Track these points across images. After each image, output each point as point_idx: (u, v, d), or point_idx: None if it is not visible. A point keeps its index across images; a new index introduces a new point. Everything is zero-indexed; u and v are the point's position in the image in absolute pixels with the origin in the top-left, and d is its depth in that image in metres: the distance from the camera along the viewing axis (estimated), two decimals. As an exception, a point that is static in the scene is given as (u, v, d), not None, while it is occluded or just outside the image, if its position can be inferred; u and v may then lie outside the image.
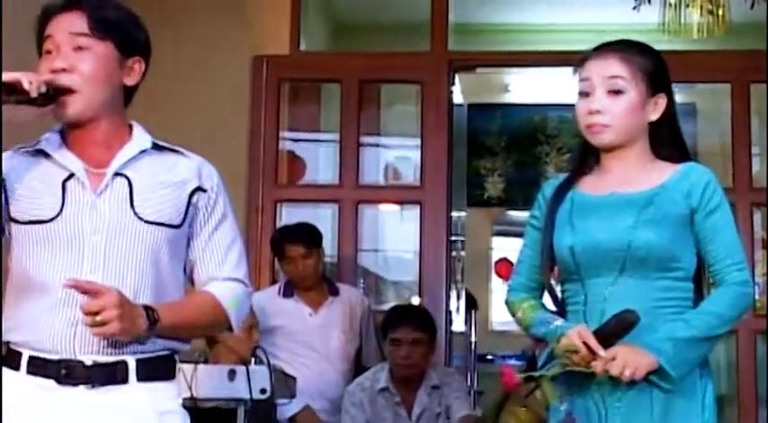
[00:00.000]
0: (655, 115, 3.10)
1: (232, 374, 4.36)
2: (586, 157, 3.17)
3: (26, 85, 2.56)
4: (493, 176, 9.71)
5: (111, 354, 2.66)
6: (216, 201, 2.86)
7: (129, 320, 2.56)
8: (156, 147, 2.83)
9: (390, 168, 8.74)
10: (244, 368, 4.37)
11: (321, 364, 5.68)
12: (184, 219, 2.79)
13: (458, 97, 7.58)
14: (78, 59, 2.70)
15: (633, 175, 3.08)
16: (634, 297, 2.96)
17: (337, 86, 6.88)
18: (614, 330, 2.87)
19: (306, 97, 7.68)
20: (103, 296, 2.53)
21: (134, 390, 2.68)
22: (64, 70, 2.68)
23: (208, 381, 4.33)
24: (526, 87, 9.58)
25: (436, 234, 6.62)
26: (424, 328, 5.48)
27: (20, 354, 2.68)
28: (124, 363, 2.67)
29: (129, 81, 2.81)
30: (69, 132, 2.79)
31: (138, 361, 2.69)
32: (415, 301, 7.01)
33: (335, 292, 5.87)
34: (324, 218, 6.94)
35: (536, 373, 3.00)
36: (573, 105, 3.13)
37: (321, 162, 7.79)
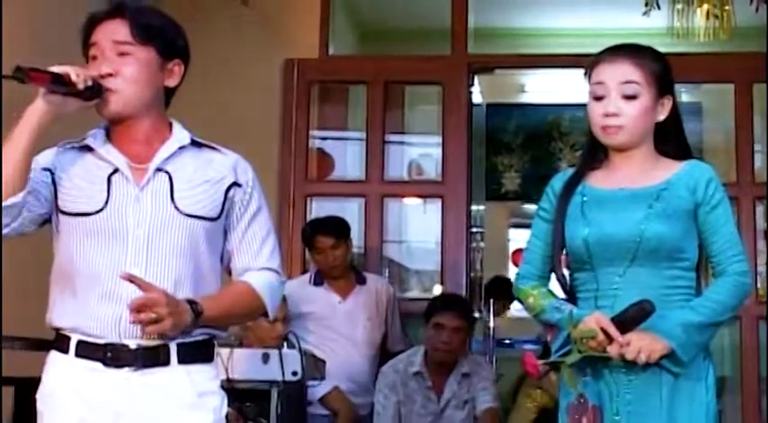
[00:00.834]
0: (662, 116, 3.09)
1: (266, 358, 4.38)
2: (595, 154, 3.16)
3: (74, 78, 2.58)
4: (510, 172, 9.68)
5: (154, 338, 2.67)
6: (251, 195, 2.86)
7: (178, 316, 2.59)
8: (194, 143, 2.84)
9: (414, 164, 8.74)
10: (277, 352, 4.39)
11: (348, 349, 5.68)
12: (221, 212, 2.80)
13: (477, 98, 7.58)
14: (122, 64, 2.71)
15: (640, 171, 3.08)
16: (644, 285, 2.96)
17: (364, 88, 6.88)
18: (632, 318, 2.86)
19: (334, 98, 7.69)
20: (153, 294, 2.55)
21: (175, 372, 2.69)
22: (109, 75, 2.69)
23: (243, 363, 4.35)
24: (541, 88, 9.55)
25: (457, 226, 6.62)
26: (466, 317, 5.49)
27: (69, 338, 2.69)
28: (166, 346, 2.68)
29: (170, 82, 2.82)
30: (113, 129, 2.80)
31: (178, 345, 2.70)
32: (437, 289, 7.01)
33: (362, 281, 5.87)
34: (351, 211, 6.94)
35: (557, 360, 2.98)
36: (585, 105, 3.11)
37: (348, 159, 7.80)
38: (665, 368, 2.92)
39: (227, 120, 6.32)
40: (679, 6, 6.18)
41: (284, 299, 5.24)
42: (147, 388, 2.66)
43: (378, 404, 5.38)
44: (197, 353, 2.73)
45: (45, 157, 2.76)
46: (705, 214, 3.01)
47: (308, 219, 6.48)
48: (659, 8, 6.09)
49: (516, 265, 9.96)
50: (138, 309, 2.54)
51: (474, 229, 7.44)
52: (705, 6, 6.12)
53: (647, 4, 6.06)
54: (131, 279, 2.56)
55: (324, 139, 7.49)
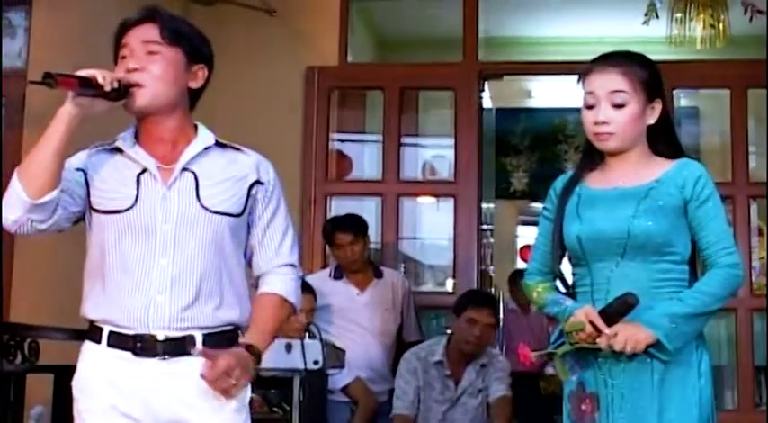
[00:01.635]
0: (652, 119, 3.09)
1: (289, 347, 4.37)
2: (592, 156, 3.17)
3: (100, 80, 2.57)
4: (518, 172, 9.68)
5: (181, 329, 2.67)
6: (272, 193, 2.86)
7: (247, 369, 2.65)
8: (218, 144, 2.84)
9: (427, 165, 8.74)
10: (299, 342, 4.38)
11: (367, 339, 5.67)
12: (245, 208, 2.79)
13: (487, 102, 7.58)
14: (149, 61, 2.71)
15: (634, 171, 3.08)
16: (635, 279, 2.96)
17: (380, 93, 6.87)
18: (617, 310, 2.88)
19: (352, 103, 7.68)
20: (222, 362, 2.60)
21: (201, 360, 2.68)
22: (136, 70, 2.70)
23: (267, 353, 4.35)
24: (547, 93, 9.54)
25: (468, 223, 6.60)
26: (496, 315, 5.50)
27: (101, 329, 2.69)
28: (192, 337, 2.68)
29: (194, 85, 2.81)
30: (141, 130, 2.79)
31: (204, 335, 2.69)
32: (450, 283, 7.00)
33: (380, 275, 5.87)
34: (369, 209, 6.93)
35: (548, 352, 3.02)
36: (585, 110, 3.12)
37: (366, 160, 7.79)
38: (654, 356, 2.92)
39: (252, 123, 6.33)
40: (677, 16, 6.16)
41: (312, 291, 5.25)
42: (175, 376, 2.66)
43: (398, 388, 5.38)
44: (221, 342, 2.72)
45: (78, 159, 2.77)
46: (694, 210, 3.00)
47: (328, 216, 6.47)
48: (658, 17, 6.08)
49: (524, 260, 9.98)
50: (215, 380, 2.58)
51: (484, 227, 7.44)
52: (702, 16, 6.11)
53: (646, 14, 6.05)
54: (202, 353, 2.62)
55: (343, 141, 7.49)
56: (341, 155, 7.48)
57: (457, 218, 6.64)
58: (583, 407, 3.00)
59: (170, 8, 2.90)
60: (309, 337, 4.56)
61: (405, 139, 6.97)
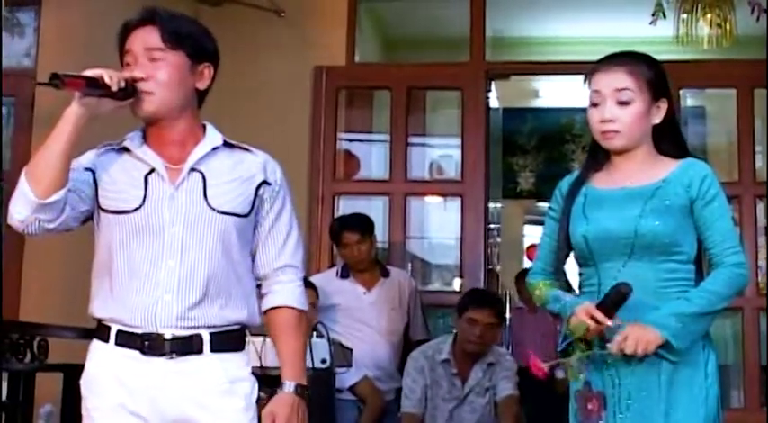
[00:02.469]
0: (657, 119, 3.09)
1: (296, 346, 4.36)
2: (598, 157, 3.17)
3: (107, 80, 2.58)
4: (525, 172, 9.67)
5: (188, 328, 2.68)
6: (278, 193, 2.86)
7: (303, 413, 2.77)
8: (226, 144, 2.84)
9: (435, 165, 8.74)
10: (306, 340, 4.37)
11: (374, 338, 5.67)
12: (252, 209, 2.79)
13: (494, 102, 7.56)
14: (154, 68, 2.71)
15: (639, 171, 3.08)
16: (642, 279, 2.95)
17: (388, 93, 6.88)
18: (613, 301, 2.89)
19: (360, 103, 7.68)
20: (282, 419, 2.73)
21: (208, 359, 2.69)
22: (142, 79, 2.70)
23: (274, 351, 4.35)
24: (554, 93, 9.53)
25: (475, 223, 6.61)
26: (499, 315, 5.46)
27: (109, 328, 2.70)
28: (199, 336, 2.69)
29: (200, 85, 2.81)
30: (149, 131, 2.80)
31: (211, 334, 2.70)
32: (457, 282, 7.00)
33: (386, 274, 5.87)
34: (376, 209, 6.93)
35: (561, 361, 3.03)
36: (592, 110, 3.12)
37: (373, 160, 7.79)
38: (662, 357, 2.92)
39: (260, 122, 6.34)
40: (684, 16, 6.15)
41: (313, 287, 5.25)
42: (182, 375, 2.66)
43: (406, 387, 5.38)
44: (228, 341, 2.73)
45: (86, 158, 2.77)
46: (700, 209, 3.00)
47: (336, 216, 6.47)
48: (665, 17, 6.06)
49: (531, 259, 9.97)
50: None
51: (491, 226, 7.42)
52: (709, 16, 6.10)
53: (654, 14, 6.04)
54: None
55: (350, 141, 7.49)
56: (348, 154, 7.48)
57: (464, 217, 6.64)
58: (589, 406, 3.00)
59: (178, 9, 2.89)
60: (317, 335, 4.56)
61: (412, 139, 6.98)
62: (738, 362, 6.49)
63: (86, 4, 5.83)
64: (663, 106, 3.09)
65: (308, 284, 4.62)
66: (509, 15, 7.86)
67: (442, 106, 8.40)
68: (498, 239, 9.32)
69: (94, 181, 2.74)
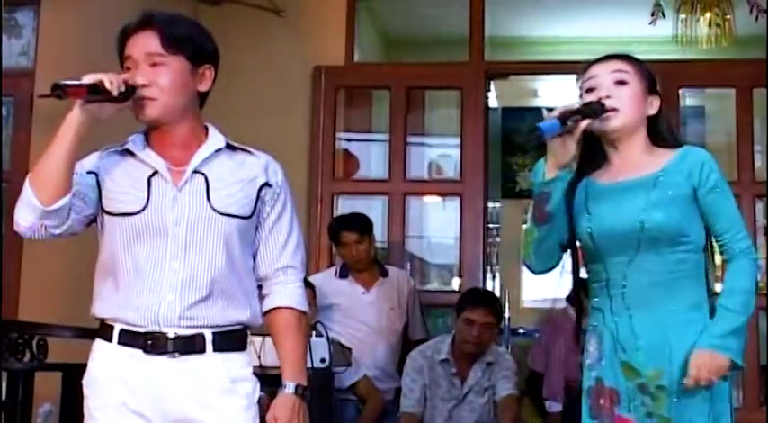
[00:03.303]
0: (652, 111, 3.08)
1: (296, 345, 4.36)
2: (594, 157, 3.13)
3: (107, 85, 2.58)
4: (524, 171, 9.65)
5: (191, 327, 2.69)
6: (279, 194, 2.87)
7: (303, 413, 2.80)
8: (228, 146, 2.85)
9: (434, 164, 8.73)
10: (305, 340, 4.38)
11: (373, 337, 5.68)
12: (254, 210, 2.80)
13: (493, 102, 7.56)
14: (155, 74, 2.71)
15: (637, 162, 3.06)
16: (651, 271, 2.95)
17: (387, 93, 6.88)
18: (582, 112, 2.91)
19: (359, 102, 7.69)
20: (284, 419, 2.76)
21: (211, 358, 2.70)
22: (144, 85, 2.70)
23: (275, 351, 4.36)
24: (553, 93, 9.50)
25: (474, 222, 6.61)
26: (496, 314, 5.46)
27: (112, 327, 2.71)
28: (202, 335, 2.70)
29: (202, 87, 2.82)
30: (152, 134, 2.81)
31: (214, 334, 2.71)
32: (456, 281, 7.00)
33: (385, 274, 5.87)
34: (375, 208, 6.94)
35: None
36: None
37: (372, 159, 7.79)
38: (672, 348, 2.92)
39: (259, 122, 6.34)
40: (683, 16, 6.17)
41: (311, 286, 5.25)
42: (185, 374, 2.67)
43: (405, 387, 5.39)
44: (230, 341, 2.75)
45: (90, 161, 2.78)
46: (704, 196, 2.98)
47: (335, 215, 6.48)
48: (665, 17, 6.08)
49: (529, 258, 9.95)
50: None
51: (490, 226, 7.42)
52: (708, 16, 6.12)
53: (653, 14, 6.05)
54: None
55: (349, 140, 7.49)
56: (347, 154, 7.48)
57: (463, 217, 6.64)
58: (601, 401, 2.98)
59: (178, 9, 2.90)
60: (316, 335, 4.57)
61: (411, 139, 6.98)
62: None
63: (84, 4, 5.83)
64: (656, 103, 3.09)
65: (306, 284, 4.62)
66: (508, 15, 7.86)
67: (440, 106, 8.40)
68: (497, 239, 9.31)
69: (98, 184, 2.75)
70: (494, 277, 8.50)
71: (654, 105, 3.09)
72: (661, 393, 2.93)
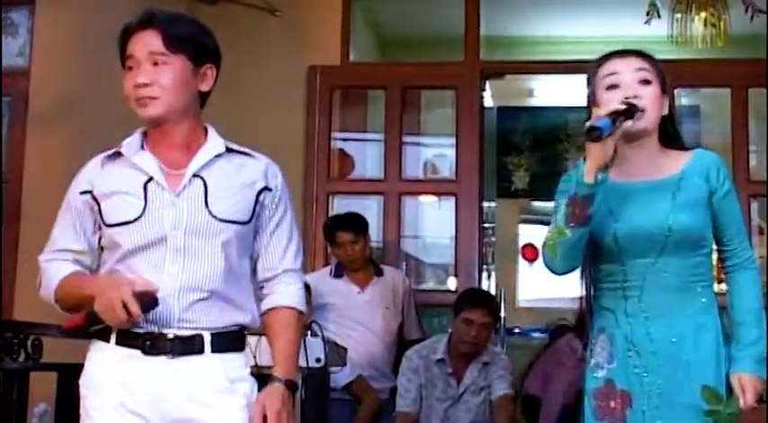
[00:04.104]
0: (665, 110, 3.07)
1: (291, 345, 4.36)
2: None
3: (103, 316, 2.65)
4: (519, 171, 9.66)
5: (189, 328, 2.69)
6: (279, 198, 2.87)
7: (290, 407, 2.76)
8: (228, 150, 2.84)
9: (429, 164, 8.73)
10: (301, 340, 4.37)
11: (368, 337, 5.68)
12: (252, 215, 2.81)
13: (488, 101, 7.57)
14: (157, 73, 2.72)
15: (653, 162, 3.03)
16: (671, 274, 2.95)
17: (382, 92, 6.88)
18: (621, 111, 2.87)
19: (354, 102, 7.69)
20: (273, 410, 2.72)
21: (209, 359, 2.70)
22: (145, 85, 2.70)
23: (269, 351, 4.36)
24: (549, 92, 9.52)
25: (470, 222, 6.61)
26: (493, 314, 5.47)
27: (110, 328, 2.71)
28: (200, 336, 2.70)
29: (204, 87, 2.82)
30: (151, 135, 2.81)
31: (212, 334, 2.71)
32: (452, 281, 7.00)
33: (380, 273, 5.87)
34: (370, 208, 6.94)
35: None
36: (590, 107, 3.06)
37: (368, 159, 7.79)
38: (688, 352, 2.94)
39: (255, 122, 6.34)
40: (678, 15, 6.16)
41: (307, 285, 5.24)
42: (183, 374, 2.68)
43: (401, 386, 5.39)
44: (228, 342, 2.75)
45: (84, 178, 2.82)
46: (719, 201, 2.99)
47: (330, 215, 6.48)
48: (660, 17, 6.08)
49: (525, 258, 9.98)
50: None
51: (486, 225, 7.44)
52: (703, 15, 6.11)
53: (648, 14, 6.05)
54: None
55: (345, 140, 7.49)
56: (343, 154, 7.48)
57: (458, 216, 6.65)
58: (612, 404, 2.96)
59: (173, 8, 2.89)
60: (311, 334, 4.56)
61: (406, 138, 6.98)
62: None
63: (80, 4, 5.84)
64: (667, 102, 3.09)
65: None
66: (504, 14, 7.86)
67: (436, 105, 8.40)
68: (493, 238, 9.33)
69: (94, 200, 2.77)
70: (489, 277, 8.51)
71: (666, 105, 3.08)
72: (675, 396, 2.92)
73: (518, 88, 9.47)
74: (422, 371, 5.37)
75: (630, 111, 2.88)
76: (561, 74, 7.47)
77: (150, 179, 2.74)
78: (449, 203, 6.91)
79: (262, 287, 2.89)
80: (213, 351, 2.71)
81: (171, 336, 2.67)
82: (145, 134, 2.83)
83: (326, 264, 6.32)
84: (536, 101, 9.79)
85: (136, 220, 2.70)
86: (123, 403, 2.66)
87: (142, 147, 2.80)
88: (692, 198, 2.97)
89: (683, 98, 7.95)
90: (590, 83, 3.09)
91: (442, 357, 5.36)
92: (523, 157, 9.67)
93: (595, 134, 2.78)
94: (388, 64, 7.83)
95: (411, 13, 8.19)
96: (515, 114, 9.67)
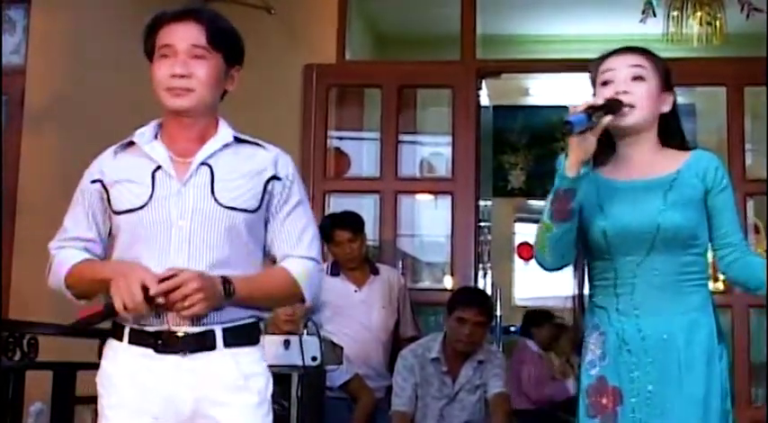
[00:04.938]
0: (666, 108, 3.07)
1: (287, 344, 4.37)
2: (604, 149, 3.07)
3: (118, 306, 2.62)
4: (515, 170, 9.67)
5: (200, 324, 2.69)
6: (290, 188, 2.86)
7: (211, 293, 2.59)
8: (237, 140, 2.84)
9: (425, 163, 8.72)
10: (297, 338, 4.38)
11: (364, 335, 5.67)
12: (260, 204, 2.79)
13: (484, 100, 7.55)
14: (196, 66, 2.74)
15: (649, 161, 3.04)
16: (661, 272, 2.95)
17: (378, 91, 6.88)
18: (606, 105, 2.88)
19: (351, 101, 7.68)
20: (184, 275, 2.58)
21: (222, 355, 2.70)
22: (183, 76, 2.70)
23: (266, 349, 4.35)
24: (544, 91, 9.53)
25: (466, 221, 6.61)
26: (488, 313, 5.47)
27: (122, 326, 2.72)
28: (212, 332, 2.69)
29: (230, 87, 2.87)
30: (169, 124, 2.82)
31: (224, 330, 2.71)
32: (448, 280, 6.99)
33: (376, 272, 5.87)
34: (367, 207, 6.93)
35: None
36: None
37: (364, 157, 7.78)
38: (680, 350, 2.92)
39: (251, 120, 6.24)
40: (674, 14, 6.18)
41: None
42: (195, 373, 2.68)
43: (396, 385, 5.39)
44: (241, 336, 2.74)
45: (96, 168, 2.83)
46: (713, 197, 2.99)
47: (327, 214, 6.47)
48: (655, 16, 6.09)
49: (521, 257, 9.98)
50: (167, 292, 2.56)
51: (482, 224, 7.41)
52: (699, 14, 6.13)
53: (644, 12, 6.06)
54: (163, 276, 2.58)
55: (341, 138, 7.48)
56: (339, 152, 7.48)
57: (454, 215, 6.64)
58: (604, 401, 2.96)
59: (170, 5, 2.89)
60: (308, 333, 4.56)
61: (403, 137, 6.97)
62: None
63: (76, 2, 5.83)
64: (670, 99, 3.09)
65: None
66: (500, 13, 7.86)
67: (432, 104, 8.39)
68: (489, 237, 9.32)
69: (104, 188, 2.78)
70: (485, 275, 8.50)
71: (668, 102, 3.08)
72: (666, 394, 2.92)
73: (514, 87, 9.47)
74: (417, 370, 5.37)
75: (610, 106, 2.88)
76: (557, 73, 7.48)
77: (158, 168, 2.74)
78: (445, 202, 6.90)
79: None
80: (225, 346, 2.70)
81: (181, 334, 2.67)
82: (160, 125, 2.83)
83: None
84: (532, 100, 9.80)
85: (142, 207, 2.71)
86: (137, 402, 2.66)
87: (156, 137, 2.80)
88: (686, 197, 2.97)
89: (679, 96, 7.86)
90: (592, 81, 3.11)
91: (436, 356, 5.36)
92: (519, 155, 9.68)
93: (566, 128, 2.80)
94: (385, 62, 7.82)
95: (407, 11, 8.19)
96: (511, 113, 9.68)
